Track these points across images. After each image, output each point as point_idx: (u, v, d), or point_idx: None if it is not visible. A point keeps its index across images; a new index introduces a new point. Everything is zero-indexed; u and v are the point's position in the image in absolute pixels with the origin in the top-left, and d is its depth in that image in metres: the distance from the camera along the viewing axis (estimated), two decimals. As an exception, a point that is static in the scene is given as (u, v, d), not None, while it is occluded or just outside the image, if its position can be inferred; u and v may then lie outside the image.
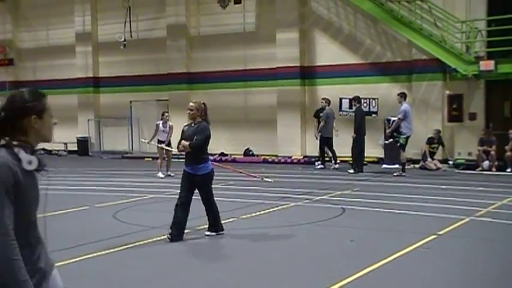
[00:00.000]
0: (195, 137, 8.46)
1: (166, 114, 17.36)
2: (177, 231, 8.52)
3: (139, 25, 24.44)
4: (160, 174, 16.71)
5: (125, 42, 22.83)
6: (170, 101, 23.86)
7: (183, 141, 8.50)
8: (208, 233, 8.89)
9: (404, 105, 16.41)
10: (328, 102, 18.49)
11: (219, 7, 22.45)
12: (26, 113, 2.98)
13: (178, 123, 23.29)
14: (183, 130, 8.77)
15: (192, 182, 8.56)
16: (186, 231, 8.90)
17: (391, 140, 16.80)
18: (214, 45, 23.05)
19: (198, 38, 23.77)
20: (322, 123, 18.25)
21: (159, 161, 17.01)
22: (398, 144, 16.42)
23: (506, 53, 16.98)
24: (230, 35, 22.78)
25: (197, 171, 8.52)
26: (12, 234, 2.78)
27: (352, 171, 17.07)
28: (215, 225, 8.94)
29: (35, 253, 3.02)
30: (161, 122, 16.95)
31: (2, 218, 2.76)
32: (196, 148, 8.44)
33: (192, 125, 8.70)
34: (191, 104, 8.79)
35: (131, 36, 23.42)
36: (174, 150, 10.70)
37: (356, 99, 17.77)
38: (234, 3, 22.39)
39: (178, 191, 8.77)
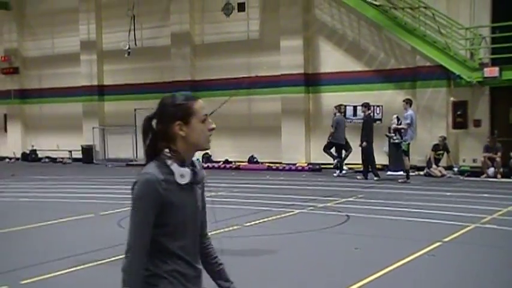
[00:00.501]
0: None
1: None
2: None
3: (143, 33, 24.51)
4: None
5: (130, 51, 22.89)
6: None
7: None
8: None
9: (410, 112, 16.42)
10: (339, 108, 18.52)
11: (223, 15, 22.50)
12: (168, 120, 2.75)
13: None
14: None
15: None
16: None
17: (394, 137, 16.77)
18: (218, 53, 23.10)
19: (202, 46, 23.82)
20: (332, 130, 18.28)
21: None
22: (401, 150, 16.42)
23: (511, 60, 16.94)
24: (234, 43, 22.83)
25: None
26: (141, 260, 2.70)
27: (376, 178, 16.99)
28: None
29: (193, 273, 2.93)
30: None
31: (135, 242, 2.68)
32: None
33: None
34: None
35: (135, 44, 23.49)
36: None
37: (366, 106, 17.71)
38: (238, 11, 22.44)
39: None
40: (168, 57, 23.98)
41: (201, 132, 2.87)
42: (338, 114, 18.47)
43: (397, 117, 16.94)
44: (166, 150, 2.75)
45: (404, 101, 16.81)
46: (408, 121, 16.27)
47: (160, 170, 2.69)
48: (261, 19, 22.60)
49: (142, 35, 24.50)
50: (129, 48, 22.98)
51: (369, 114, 17.81)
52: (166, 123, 2.75)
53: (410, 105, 16.66)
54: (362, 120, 17.77)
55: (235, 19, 22.43)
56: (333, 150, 18.43)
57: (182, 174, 2.74)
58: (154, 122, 2.78)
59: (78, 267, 7.63)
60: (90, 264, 7.79)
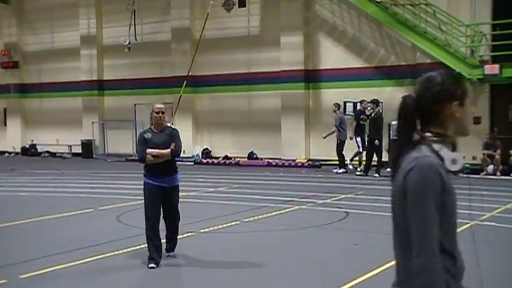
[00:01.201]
0: (173, 144, 7.44)
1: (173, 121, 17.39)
2: (159, 256, 7.46)
3: (144, 28, 24.48)
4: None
5: (130, 46, 22.86)
6: (174, 104, 23.86)
7: (157, 151, 7.39)
8: (173, 253, 7.81)
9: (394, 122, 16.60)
10: (338, 107, 18.61)
11: (224, 10, 22.46)
12: (447, 99, 2.44)
13: (183, 126, 23.51)
14: (144, 138, 7.51)
15: (163, 197, 7.49)
16: (188, 234, 8.89)
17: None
18: (219, 48, 23.07)
19: (202, 41, 23.76)
20: (336, 129, 18.32)
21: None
22: None
23: (511, 57, 16.92)
24: (234, 39, 22.81)
25: (173, 183, 7.55)
26: (439, 256, 2.35)
27: (376, 175, 17.06)
28: (175, 240, 7.83)
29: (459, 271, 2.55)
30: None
31: (430, 237, 2.32)
32: (179, 155, 7.57)
33: (156, 131, 7.62)
34: (160, 106, 7.67)
35: (136, 39, 23.45)
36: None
37: (375, 103, 17.74)
38: (239, 7, 22.39)
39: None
40: (169, 53, 23.95)
41: (471, 115, 2.58)
42: (339, 111, 18.53)
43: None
44: (429, 134, 2.46)
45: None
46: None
47: (433, 155, 2.37)
48: (261, 15, 22.57)
49: (143, 30, 24.47)
50: (129, 43, 22.95)
51: (379, 110, 17.84)
52: (443, 103, 2.46)
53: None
54: (371, 117, 17.66)
55: (235, 15, 22.39)
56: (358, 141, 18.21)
57: (454, 160, 2.40)
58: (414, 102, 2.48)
59: (78, 262, 7.64)
60: (90, 259, 7.80)
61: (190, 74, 23.68)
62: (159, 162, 7.42)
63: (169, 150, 7.41)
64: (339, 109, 18.64)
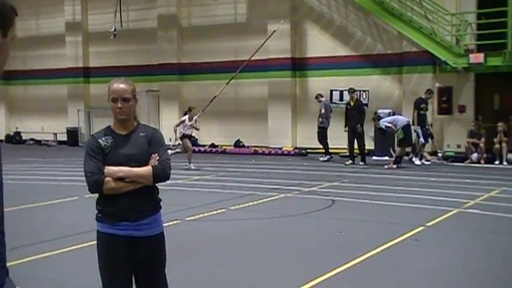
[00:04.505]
0: (154, 155, 4.00)
1: (193, 109, 17.02)
2: None
3: (130, 15, 24.32)
4: (192, 166, 16.43)
5: (116, 33, 22.68)
6: (161, 91, 23.82)
7: (126, 169, 3.92)
8: None
9: (381, 122, 16.99)
10: (321, 95, 18.75)
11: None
12: None
13: (170, 116, 23.48)
14: (98, 146, 3.99)
15: (136, 256, 4.05)
16: (174, 222, 8.90)
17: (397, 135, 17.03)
18: (206, 36, 23.00)
19: (189, 29, 23.70)
20: (322, 113, 18.43)
21: (189, 153, 16.76)
22: (399, 138, 16.68)
23: (496, 46, 17.04)
24: (221, 26, 22.73)
25: (154, 228, 4.08)
26: None
27: (362, 163, 17.18)
28: None
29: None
30: (187, 117, 16.76)
31: None
32: (166, 176, 4.04)
33: (122, 132, 4.08)
34: (121, 86, 4.01)
35: (122, 26, 23.28)
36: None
37: (352, 91, 17.84)
38: (225, -6, 22.33)
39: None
40: (155, 40, 23.84)
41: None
42: (323, 99, 18.63)
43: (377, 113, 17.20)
44: None
45: (372, 119, 17.54)
46: (384, 126, 16.66)
47: None
48: (248, 3, 22.51)
49: (129, 17, 24.31)
50: (115, 30, 22.77)
51: (358, 98, 18.01)
52: None
53: (379, 119, 17.26)
54: (351, 105, 17.70)
55: (222, 2, 22.31)
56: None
57: None
58: None
59: (60, 251, 7.63)
60: (74, 247, 7.79)
61: (176, 61, 23.69)
62: (129, 192, 3.95)
63: (147, 168, 3.95)
64: (322, 96, 18.74)
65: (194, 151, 22.14)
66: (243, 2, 22.60)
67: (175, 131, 16.94)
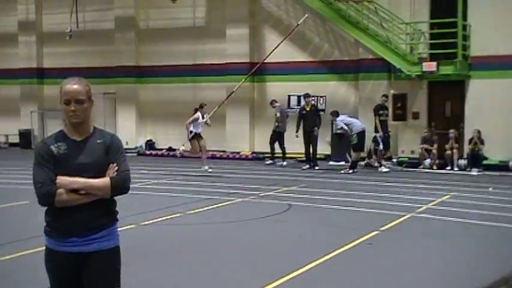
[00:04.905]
0: (113, 165, 3.62)
1: (205, 106, 16.55)
2: None
3: (86, 16, 24.01)
4: (206, 168, 16.00)
5: (71, 33, 22.36)
6: (118, 94, 23.58)
7: (82, 181, 3.52)
8: None
9: (339, 120, 17.16)
10: (275, 101, 19.08)
11: (169, 0, 22.28)
12: None
13: (127, 119, 23.26)
14: (50, 153, 3.62)
15: (87, 273, 3.66)
16: (129, 226, 8.84)
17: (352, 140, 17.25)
18: (164, 38, 22.89)
19: (147, 31, 23.55)
20: (278, 118, 18.62)
21: (203, 155, 16.24)
22: (351, 144, 16.95)
23: (448, 55, 17.48)
24: (180, 29, 22.67)
25: (109, 243, 3.72)
26: None
27: (317, 167, 17.45)
28: None
29: None
30: (199, 113, 16.18)
31: None
32: (125, 189, 3.70)
33: (77, 138, 3.66)
34: (74, 87, 3.65)
35: (78, 27, 22.96)
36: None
37: (308, 96, 18.15)
38: (184, -3, 22.28)
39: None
40: (112, 42, 23.59)
41: None
42: (278, 104, 18.85)
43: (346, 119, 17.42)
44: None
45: (330, 114, 17.67)
46: (340, 126, 16.88)
47: None
48: (207, 6, 22.52)
49: (85, 18, 23.99)
50: (70, 30, 22.45)
51: (314, 104, 18.32)
52: None
53: (336, 116, 17.35)
54: (307, 110, 17.92)
55: (181, 5, 22.24)
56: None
57: None
58: None
59: (9, 256, 7.49)
60: (24, 253, 7.65)
61: (134, 64, 23.49)
62: (82, 205, 3.56)
63: (104, 180, 3.58)
64: (276, 102, 18.98)
65: (151, 154, 22.09)
66: (201, 6, 22.60)
67: (187, 128, 16.28)
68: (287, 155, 18.69)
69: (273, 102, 19.07)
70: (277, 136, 18.78)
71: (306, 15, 16.31)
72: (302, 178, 15.37)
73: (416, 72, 17.98)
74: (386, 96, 17.97)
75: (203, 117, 16.10)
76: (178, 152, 17.86)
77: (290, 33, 16.74)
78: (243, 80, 17.40)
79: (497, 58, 17.55)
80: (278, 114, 18.66)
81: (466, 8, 17.71)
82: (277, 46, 17.76)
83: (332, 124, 18.51)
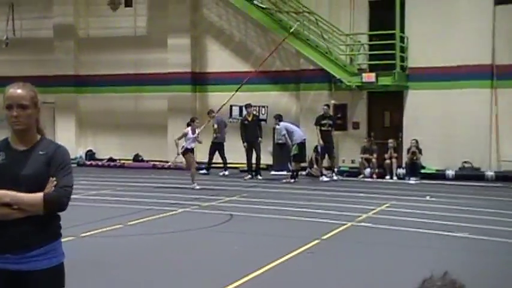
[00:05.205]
0: (52, 180, 3.33)
1: (197, 120, 15.93)
2: None
3: (24, 24, 23.41)
4: (196, 186, 15.14)
5: (8, 41, 21.80)
6: (57, 104, 23.06)
7: (14, 195, 3.27)
8: None
9: (282, 124, 17.21)
10: (212, 111, 18.98)
11: (109, 9, 22.03)
12: None
13: (66, 129, 22.74)
14: None
15: None
16: (68, 238, 8.64)
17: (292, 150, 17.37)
18: (105, 48, 22.56)
19: (87, 40, 23.16)
20: (215, 127, 18.69)
21: (192, 170, 15.39)
22: (291, 155, 17.08)
23: (387, 67, 17.90)
24: (121, 38, 22.39)
25: (43, 263, 3.39)
26: None
27: (260, 177, 17.53)
28: None
29: None
30: (190, 129, 15.44)
31: None
32: (62, 206, 3.42)
33: (20, 147, 3.44)
34: (17, 91, 3.47)
35: (14, 35, 22.39)
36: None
37: (249, 106, 18.31)
38: (125, 6, 22.07)
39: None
40: (51, 50, 23.07)
41: None
42: (215, 114, 18.88)
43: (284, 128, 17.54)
44: None
45: (274, 117, 17.75)
46: (283, 133, 16.98)
47: None
48: (148, 16, 22.36)
49: (23, 26, 23.40)
50: (7, 38, 21.87)
51: (255, 114, 18.45)
52: None
53: (280, 120, 17.38)
54: (249, 120, 18.06)
55: (122, 14, 22.04)
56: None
57: None
58: None
59: None
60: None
61: (73, 73, 23.05)
62: (18, 220, 3.31)
63: (37, 195, 3.30)
64: (214, 112, 19.02)
65: (91, 165, 21.68)
66: (143, 15, 22.42)
67: (176, 144, 15.60)
68: (228, 165, 18.71)
69: (210, 112, 19.07)
70: (217, 146, 18.81)
71: (298, 22, 16.14)
72: (244, 188, 15.40)
73: (356, 83, 18.32)
74: (327, 105, 18.21)
75: (193, 133, 15.41)
76: (171, 162, 17.52)
77: (283, 40, 16.48)
78: (236, 90, 17.22)
79: (434, 69, 18.10)
80: (215, 126, 18.71)
81: (403, 20, 18.21)
82: (271, 54, 17.62)
83: (274, 133, 18.66)
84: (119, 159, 21.88)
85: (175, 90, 21.31)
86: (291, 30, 17.70)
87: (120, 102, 22.56)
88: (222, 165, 18.76)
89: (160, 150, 21.41)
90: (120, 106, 22.51)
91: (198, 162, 19.74)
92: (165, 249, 8.62)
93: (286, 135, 17.00)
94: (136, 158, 21.97)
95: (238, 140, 18.39)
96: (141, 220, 10.63)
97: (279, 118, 17.49)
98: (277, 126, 17.59)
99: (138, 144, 22.07)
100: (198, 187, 15.05)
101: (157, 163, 21.03)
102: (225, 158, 18.76)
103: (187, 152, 15.29)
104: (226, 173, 18.48)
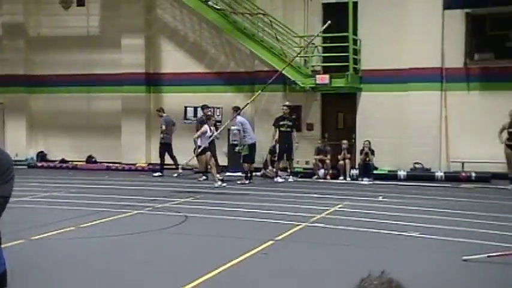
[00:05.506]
0: None
1: (213, 118, 15.44)
2: None
3: (-30, 22, 22.83)
4: (220, 183, 14.92)
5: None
6: (6, 104, 22.55)
7: None
8: None
9: (239, 118, 17.11)
10: (163, 110, 19.07)
11: (61, 8, 21.65)
12: None
13: (16, 130, 22.24)
14: None
15: None
16: (18, 241, 8.47)
17: (238, 148, 17.33)
18: (57, 47, 22.18)
19: (38, 39, 22.71)
20: (163, 128, 18.58)
21: (213, 170, 15.07)
22: (241, 156, 17.05)
23: (340, 68, 18.14)
24: (73, 38, 22.06)
25: None
26: None
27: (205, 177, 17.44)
28: None
29: None
30: (207, 126, 15.01)
31: None
32: None
33: None
34: None
35: (-40, 33, 21.76)
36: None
37: (206, 107, 18.28)
38: (77, 5, 21.75)
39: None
40: (1, 50, 22.55)
41: None
42: (165, 115, 18.83)
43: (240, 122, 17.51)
44: None
45: (232, 108, 17.63)
46: (237, 129, 16.95)
47: None
48: (101, 15, 22.08)
49: (-31, 24, 22.80)
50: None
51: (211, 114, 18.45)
52: None
53: (239, 113, 17.35)
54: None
55: (74, 13, 21.72)
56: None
57: None
58: None
59: None
60: None
61: (23, 73, 22.57)
62: None
63: None
64: (163, 112, 18.97)
65: (42, 166, 21.26)
66: (95, 15, 22.12)
67: (195, 142, 15.16)
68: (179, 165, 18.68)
69: (160, 110, 19.02)
70: (166, 147, 18.77)
71: (329, 22, 15.73)
72: (199, 189, 15.36)
73: (310, 85, 18.49)
74: (287, 106, 18.16)
75: (211, 130, 15.09)
76: (184, 163, 17.21)
77: (310, 42, 16.05)
78: (262, 89, 16.80)
79: (386, 72, 18.44)
80: (163, 127, 18.66)
81: (356, 23, 18.48)
82: (299, 54, 17.19)
83: (229, 134, 18.64)
84: (72, 161, 21.54)
85: (129, 91, 21.11)
86: (321, 30, 16.62)
87: (72, 102, 22.22)
88: (173, 166, 18.70)
89: (114, 151, 21.19)
90: (72, 107, 22.18)
91: (155, 164, 19.68)
92: (118, 252, 8.53)
93: (241, 131, 16.91)
94: (90, 160, 21.68)
95: (191, 141, 18.30)
96: (95, 222, 10.49)
97: (236, 110, 17.42)
98: (234, 120, 17.45)
99: (91, 145, 21.78)
100: (223, 184, 14.78)
101: (111, 164, 20.78)
102: (174, 158, 18.73)
103: (205, 151, 14.85)
104: (180, 171, 18.42)
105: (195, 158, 15.54)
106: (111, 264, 7.79)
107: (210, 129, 15.00)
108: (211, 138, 14.80)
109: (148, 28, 21.36)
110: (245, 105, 17.01)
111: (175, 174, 18.38)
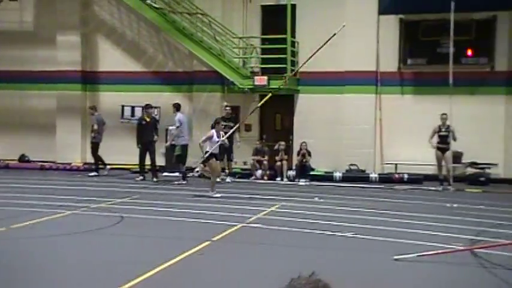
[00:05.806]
0: None
1: (222, 122, 14.61)
2: None
3: None
4: (217, 194, 13.90)
5: None
6: None
7: None
8: None
9: (179, 115, 17.04)
10: (95, 109, 18.86)
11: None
12: None
13: None
14: None
15: None
16: None
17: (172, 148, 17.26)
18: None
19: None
20: (95, 128, 18.41)
21: (213, 179, 14.10)
22: (175, 155, 16.98)
23: (278, 70, 18.31)
24: (5, 33, 21.39)
25: None
26: None
27: (155, 179, 17.24)
28: None
29: None
30: (214, 131, 13.98)
31: None
32: None
33: None
34: None
35: None
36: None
37: (150, 107, 18.06)
38: (10, 0, 21.11)
39: None
40: None
41: None
42: (97, 113, 18.59)
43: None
44: None
45: (173, 105, 17.52)
46: (177, 124, 16.89)
47: None
48: (35, 11, 21.51)
49: None
50: None
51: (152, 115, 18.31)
52: None
53: (178, 110, 17.26)
54: (148, 121, 17.77)
55: (6, 8, 21.05)
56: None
57: None
58: None
59: None
60: None
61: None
62: None
63: None
64: (96, 110, 18.74)
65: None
66: (29, 10, 21.52)
67: (201, 147, 14.07)
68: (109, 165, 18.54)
69: (92, 108, 18.74)
70: (96, 146, 18.53)
71: (344, 24, 15.24)
72: (135, 190, 15.20)
73: (248, 86, 18.58)
74: (229, 107, 18.19)
75: (218, 136, 14.11)
76: (196, 171, 16.61)
77: (327, 41, 15.65)
78: (280, 85, 16.36)
79: (323, 74, 18.73)
80: (95, 127, 18.40)
81: (294, 25, 18.71)
82: (314, 53, 16.75)
83: (166, 134, 18.52)
84: (3, 160, 20.86)
85: (65, 89, 20.67)
86: (337, 31, 16.01)
87: (4, 100, 21.56)
88: (101, 166, 18.56)
89: (48, 150, 20.68)
90: (4, 104, 21.53)
91: (91, 163, 19.33)
92: (51, 253, 8.35)
93: (180, 128, 16.84)
94: (23, 159, 21.07)
95: (130, 140, 18.10)
96: (27, 223, 10.23)
97: (177, 107, 17.33)
98: (174, 117, 17.29)
99: (24, 144, 21.18)
100: (218, 195, 13.92)
101: (46, 164, 20.27)
102: (100, 157, 18.55)
103: (211, 157, 13.99)
104: (105, 172, 18.45)
105: (201, 165, 14.80)
106: (43, 266, 7.63)
107: (218, 134, 14.14)
108: (218, 143, 14.07)
109: (85, 25, 20.96)
110: (252, 111, 16.87)
111: (105, 173, 18.18)
